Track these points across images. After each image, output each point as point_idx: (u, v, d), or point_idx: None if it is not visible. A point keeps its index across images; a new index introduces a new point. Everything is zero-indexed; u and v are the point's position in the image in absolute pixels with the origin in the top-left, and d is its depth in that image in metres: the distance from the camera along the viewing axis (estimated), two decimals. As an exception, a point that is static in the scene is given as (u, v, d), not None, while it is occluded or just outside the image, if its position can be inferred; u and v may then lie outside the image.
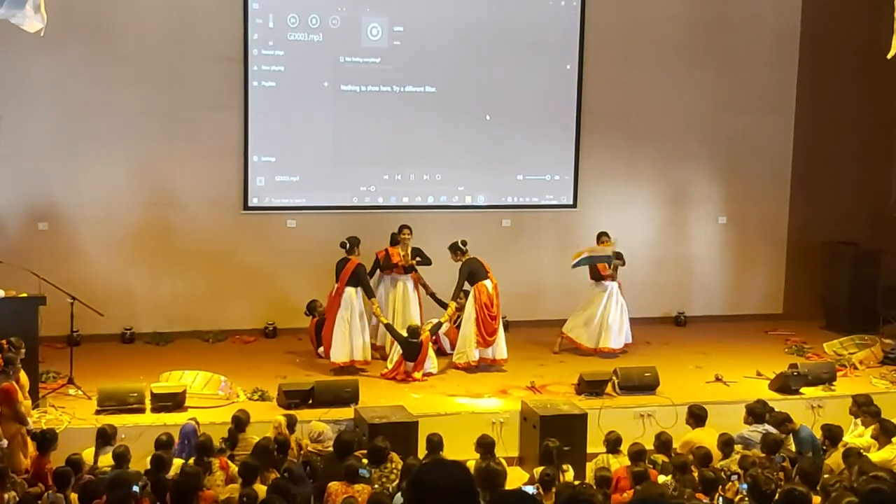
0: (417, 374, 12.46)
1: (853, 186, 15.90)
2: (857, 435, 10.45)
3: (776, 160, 15.82)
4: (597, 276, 13.59)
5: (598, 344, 13.60)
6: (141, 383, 11.30)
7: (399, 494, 8.28)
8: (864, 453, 9.58)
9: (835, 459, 9.68)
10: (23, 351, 10.16)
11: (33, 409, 10.53)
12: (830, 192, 15.81)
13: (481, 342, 12.83)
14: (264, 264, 14.19)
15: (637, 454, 9.41)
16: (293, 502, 8.39)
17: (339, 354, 12.54)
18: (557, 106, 14.96)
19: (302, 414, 10.80)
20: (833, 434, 10.11)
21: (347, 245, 12.70)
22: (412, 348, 12.44)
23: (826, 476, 8.84)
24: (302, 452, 9.99)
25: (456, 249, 12.95)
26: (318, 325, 13.08)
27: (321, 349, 12.89)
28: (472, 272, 12.81)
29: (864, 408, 10.66)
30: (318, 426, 10.42)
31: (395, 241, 13.31)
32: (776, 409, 10.68)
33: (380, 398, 11.57)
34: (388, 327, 12.68)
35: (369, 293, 12.67)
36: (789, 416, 10.46)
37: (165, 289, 13.97)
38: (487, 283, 12.82)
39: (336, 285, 12.65)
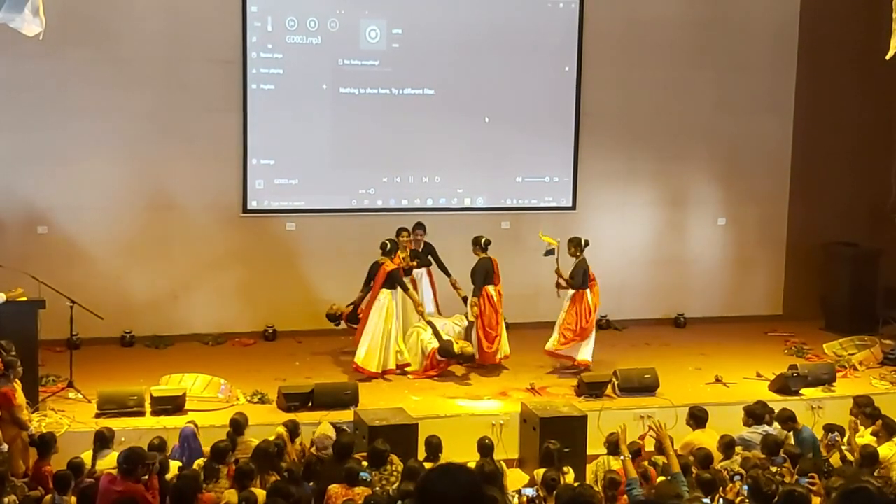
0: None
1: (852, 187, 15.90)
2: (858, 436, 10.44)
3: (775, 161, 15.82)
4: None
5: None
6: (141, 387, 11.29)
7: (399, 502, 8.22)
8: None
9: (834, 460, 9.72)
10: (13, 353, 10.16)
11: (32, 412, 10.52)
12: (829, 192, 15.81)
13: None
14: (263, 267, 14.18)
15: (635, 453, 9.40)
16: (294, 504, 8.39)
17: (371, 363, 12.46)
18: (556, 108, 14.95)
19: (302, 416, 10.79)
20: (833, 435, 10.11)
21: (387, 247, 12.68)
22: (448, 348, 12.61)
23: (833, 479, 8.83)
24: (306, 456, 9.93)
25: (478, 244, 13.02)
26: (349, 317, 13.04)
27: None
28: (486, 272, 12.90)
29: (863, 409, 10.65)
30: (327, 429, 10.34)
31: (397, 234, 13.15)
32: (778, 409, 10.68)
33: (379, 401, 11.54)
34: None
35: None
36: (794, 415, 10.45)
37: (165, 292, 13.96)
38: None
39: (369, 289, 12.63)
